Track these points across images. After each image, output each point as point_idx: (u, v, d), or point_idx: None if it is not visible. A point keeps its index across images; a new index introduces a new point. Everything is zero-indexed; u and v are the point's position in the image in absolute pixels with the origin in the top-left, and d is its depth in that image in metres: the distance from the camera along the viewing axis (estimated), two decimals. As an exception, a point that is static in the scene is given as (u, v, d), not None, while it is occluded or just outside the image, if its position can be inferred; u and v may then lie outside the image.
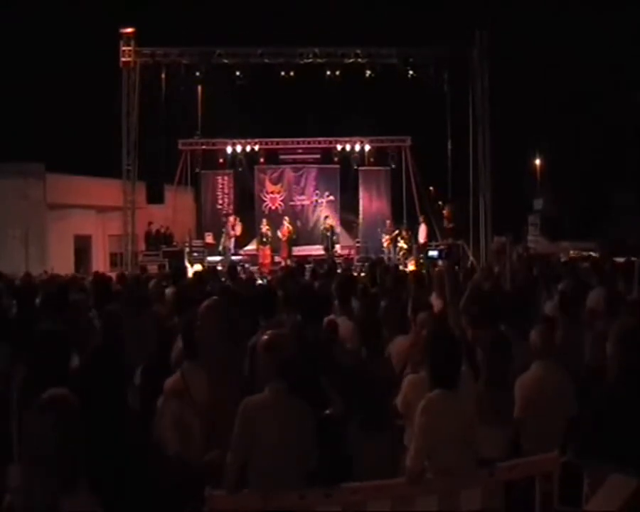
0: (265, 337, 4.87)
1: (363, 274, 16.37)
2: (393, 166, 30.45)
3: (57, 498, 3.12)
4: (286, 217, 28.28)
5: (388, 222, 28.83)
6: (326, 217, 28.73)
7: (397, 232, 28.14)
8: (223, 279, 13.40)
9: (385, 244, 28.07)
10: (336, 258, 25.66)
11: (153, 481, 4.80)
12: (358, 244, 29.74)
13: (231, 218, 28.38)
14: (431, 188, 29.82)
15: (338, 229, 29.71)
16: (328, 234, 27.91)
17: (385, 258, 26.07)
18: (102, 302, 8.17)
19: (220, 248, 27.56)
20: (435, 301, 8.29)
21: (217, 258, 26.67)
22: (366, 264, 20.38)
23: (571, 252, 25.67)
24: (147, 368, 6.28)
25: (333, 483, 4.54)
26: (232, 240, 27.81)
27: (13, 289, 10.88)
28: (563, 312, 7.76)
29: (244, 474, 4.55)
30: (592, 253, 22.99)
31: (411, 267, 22.85)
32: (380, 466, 5.57)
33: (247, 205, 30.55)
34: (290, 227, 27.63)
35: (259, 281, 12.86)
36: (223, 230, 27.83)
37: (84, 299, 8.86)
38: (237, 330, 6.45)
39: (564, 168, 36.70)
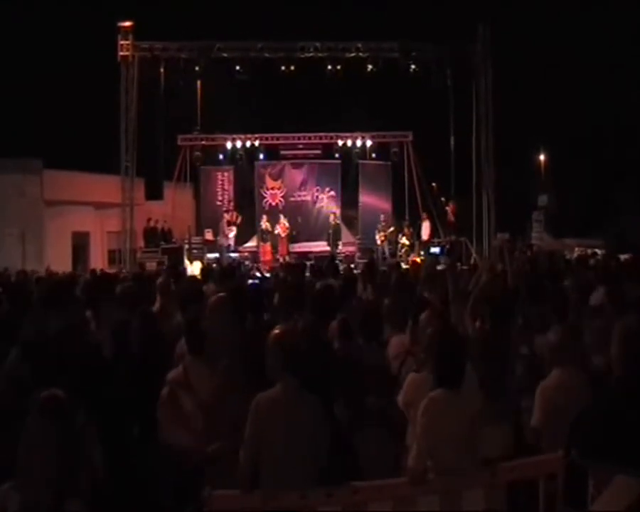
0: (276, 331, 4.87)
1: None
2: (396, 158, 30.37)
3: (55, 499, 3.12)
4: (282, 215, 28.27)
5: (382, 217, 28.70)
6: (334, 214, 28.62)
7: (392, 228, 28.09)
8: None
9: (378, 241, 27.97)
10: (338, 255, 25.72)
11: (154, 481, 4.80)
12: (358, 241, 29.70)
13: (226, 215, 28.32)
14: (433, 184, 29.80)
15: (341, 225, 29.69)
16: (330, 231, 27.90)
17: (378, 255, 25.94)
18: (100, 301, 8.16)
19: (218, 245, 27.56)
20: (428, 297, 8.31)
21: (217, 255, 26.68)
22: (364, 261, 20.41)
23: (576, 249, 25.65)
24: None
25: (343, 481, 4.55)
26: (229, 237, 27.71)
27: (8, 286, 10.86)
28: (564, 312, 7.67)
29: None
30: (597, 250, 22.98)
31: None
32: (368, 466, 5.59)
33: (247, 201, 30.52)
34: (287, 224, 27.62)
35: (251, 281, 12.79)
36: (220, 225, 27.82)
37: (82, 298, 8.85)
38: (245, 325, 6.49)
39: (568, 164, 36.67)
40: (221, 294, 6.39)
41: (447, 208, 27.46)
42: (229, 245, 27.61)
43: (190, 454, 5.09)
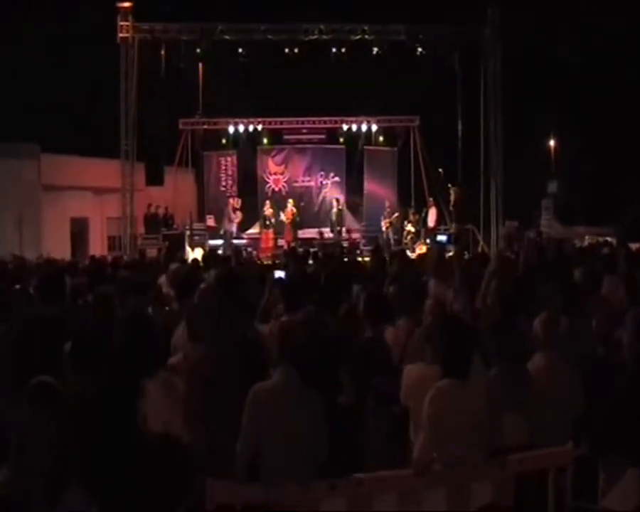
0: (279, 322, 4.92)
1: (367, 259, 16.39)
2: (402, 143, 30.31)
3: (49, 494, 3.09)
4: (291, 200, 28.19)
5: (388, 203, 28.66)
6: (337, 200, 28.55)
7: (396, 215, 28.06)
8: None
9: (383, 227, 27.96)
10: (343, 241, 25.70)
11: (151, 473, 4.78)
12: (363, 228, 29.67)
13: (231, 201, 28.28)
14: (440, 170, 29.71)
15: (345, 211, 29.61)
16: (333, 218, 27.85)
17: (382, 241, 25.88)
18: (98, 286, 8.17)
19: (222, 232, 27.53)
20: (435, 287, 8.30)
21: (219, 242, 26.64)
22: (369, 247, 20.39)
23: (586, 237, 25.60)
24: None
25: (344, 474, 4.55)
26: (234, 223, 27.71)
27: (5, 273, 10.87)
28: (572, 302, 7.62)
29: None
30: (608, 238, 22.90)
31: (419, 251, 22.81)
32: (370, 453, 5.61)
33: (249, 186, 30.47)
34: (294, 210, 27.56)
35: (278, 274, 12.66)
36: (225, 212, 27.79)
37: (81, 283, 8.85)
38: (238, 315, 6.48)
39: (579, 150, 36.55)
40: (208, 284, 6.43)
41: (450, 194, 27.36)
42: (232, 232, 27.56)
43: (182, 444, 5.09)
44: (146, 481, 4.60)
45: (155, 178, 27.40)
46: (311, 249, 17.33)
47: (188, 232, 26.67)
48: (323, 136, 30.73)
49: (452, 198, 27.05)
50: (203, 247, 24.64)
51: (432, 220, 27.04)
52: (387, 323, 6.80)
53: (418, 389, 5.40)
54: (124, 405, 4.86)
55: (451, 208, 27.10)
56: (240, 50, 26.37)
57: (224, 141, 30.00)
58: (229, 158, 30.40)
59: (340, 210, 28.04)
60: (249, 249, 25.41)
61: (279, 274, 11.00)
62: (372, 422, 5.84)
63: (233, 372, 5.03)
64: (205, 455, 4.88)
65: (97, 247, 28.57)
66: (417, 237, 26.81)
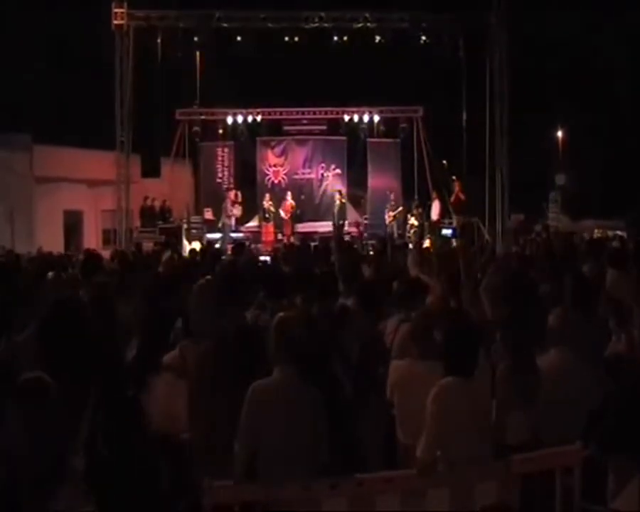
0: (276, 318, 4.92)
1: (371, 253, 16.43)
2: (405, 134, 30.30)
3: (38, 494, 3.07)
4: (289, 192, 28.22)
5: (392, 196, 28.64)
6: (339, 192, 28.50)
7: (400, 208, 28.08)
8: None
9: (387, 221, 27.97)
10: (344, 235, 25.71)
11: (150, 471, 4.80)
12: (366, 221, 29.67)
13: (231, 194, 28.26)
14: (444, 162, 29.66)
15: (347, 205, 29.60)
16: (335, 211, 27.82)
17: (387, 235, 25.88)
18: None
19: (220, 225, 27.53)
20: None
21: (217, 235, 26.67)
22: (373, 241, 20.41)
23: (595, 230, 25.56)
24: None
25: (344, 473, 4.56)
26: (232, 217, 27.71)
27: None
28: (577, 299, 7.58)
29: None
30: (618, 232, 22.87)
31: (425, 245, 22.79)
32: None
33: (248, 178, 30.45)
34: (293, 203, 27.57)
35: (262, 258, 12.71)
36: (223, 205, 27.78)
37: (75, 276, 8.88)
38: (234, 309, 6.52)
39: (588, 141, 36.49)
40: (208, 278, 6.43)
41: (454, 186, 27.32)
42: (230, 225, 27.54)
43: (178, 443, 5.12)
44: (146, 479, 4.62)
45: (151, 170, 27.35)
46: (312, 243, 17.41)
47: (185, 226, 26.64)
48: (324, 127, 30.72)
49: (456, 189, 27.00)
50: (200, 240, 24.65)
51: (435, 213, 26.99)
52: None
53: (403, 385, 5.47)
54: (126, 403, 4.87)
55: (456, 201, 27.04)
56: (239, 39, 26.31)
57: (222, 132, 29.99)
58: (226, 149, 30.39)
59: (343, 204, 28.03)
60: (247, 242, 25.38)
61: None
62: (372, 420, 5.85)
63: (233, 369, 5.04)
64: (205, 454, 4.91)
65: (92, 240, 28.54)
66: (420, 230, 26.77)
